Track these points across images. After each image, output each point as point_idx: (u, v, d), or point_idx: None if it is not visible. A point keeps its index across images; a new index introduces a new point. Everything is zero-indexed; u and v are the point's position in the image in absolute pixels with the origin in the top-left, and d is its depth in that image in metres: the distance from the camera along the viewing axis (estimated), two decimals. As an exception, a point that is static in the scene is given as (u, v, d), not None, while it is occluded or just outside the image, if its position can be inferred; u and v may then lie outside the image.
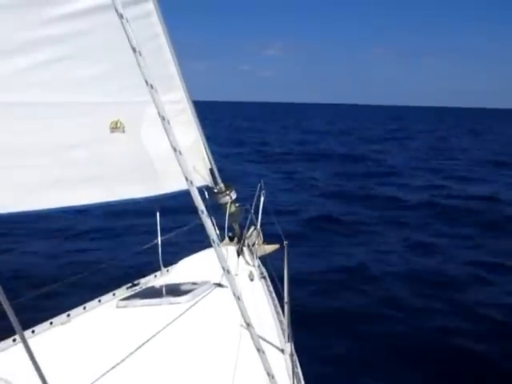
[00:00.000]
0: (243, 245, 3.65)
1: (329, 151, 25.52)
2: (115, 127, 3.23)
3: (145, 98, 3.28)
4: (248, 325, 1.84)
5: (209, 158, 3.81)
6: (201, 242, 3.93)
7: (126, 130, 3.26)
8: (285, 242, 2.64)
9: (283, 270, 2.52)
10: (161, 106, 1.73)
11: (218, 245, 1.83)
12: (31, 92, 2.90)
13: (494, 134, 46.35)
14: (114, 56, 3.15)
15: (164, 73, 3.42)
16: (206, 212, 1.84)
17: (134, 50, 1.70)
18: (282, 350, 2.41)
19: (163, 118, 1.70)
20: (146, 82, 1.72)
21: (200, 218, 1.81)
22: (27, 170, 2.95)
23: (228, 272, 1.82)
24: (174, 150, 1.72)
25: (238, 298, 1.84)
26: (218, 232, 3.61)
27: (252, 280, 3.15)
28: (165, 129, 1.69)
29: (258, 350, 1.87)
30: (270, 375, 1.86)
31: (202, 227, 3.83)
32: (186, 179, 1.75)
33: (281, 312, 2.81)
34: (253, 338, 1.86)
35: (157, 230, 3.44)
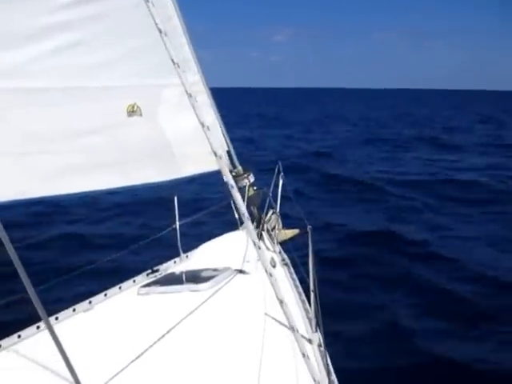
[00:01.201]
0: (262, 229, 3.58)
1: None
2: (132, 111, 3.18)
3: (160, 80, 3.26)
4: (281, 302, 1.81)
5: (226, 140, 3.75)
6: (218, 228, 3.89)
7: (144, 113, 3.21)
8: (308, 227, 2.57)
9: (307, 256, 2.45)
10: (188, 84, 1.69)
11: (248, 219, 1.79)
12: (47, 78, 2.86)
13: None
14: (128, 40, 3.11)
15: (179, 55, 3.36)
16: (235, 187, 1.83)
17: (159, 31, 1.67)
18: (310, 340, 2.33)
19: (190, 95, 1.66)
20: (173, 61, 1.68)
21: (230, 194, 1.81)
22: (45, 156, 2.92)
23: (259, 248, 1.78)
24: (202, 125, 1.70)
25: (271, 275, 1.80)
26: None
27: (274, 267, 3.07)
28: (192, 105, 1.66)
29: (292, 328, 1.83)
30: (306, 356, 1.81)
31: (218, 213, 3.76)
32: (215, 154, 1.72)
33: (306, 300, 2.73)
34: (286, 315, 1.83)
35: (174, 215, 3.39)
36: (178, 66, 1.69)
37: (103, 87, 3.09)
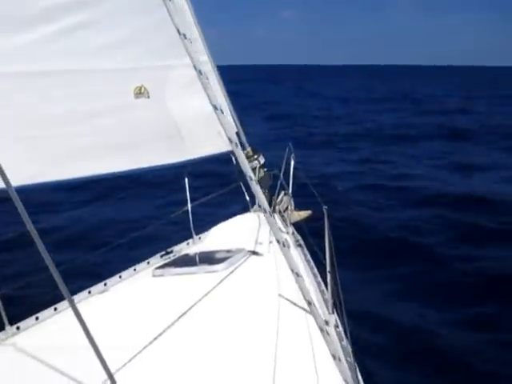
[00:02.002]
0: (274, 211, 3.56)
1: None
2: (139, 93, 3.16)
3: (168, 61, 3.22)
4: (297, 275, 1.80)
5: (235, 121, 3.72)
6: (230, 209, 3.89)
7: (151, 95, 3.19)
8: (324, 208, 2.53)
9: (323, 237, 2.43)
10: (196, 57, 1.61)
11: (271, 214, 1.75)
12: (53, 61, 2.84)
13: None
14: (135, 20, 3.08)
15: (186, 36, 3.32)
16: (254, 178, 1.76)
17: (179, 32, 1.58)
18: (326, 322, 2.28)
19: (200, 73, 1.59)
20: (179, 32, 1.60)
21: (248, 184, 1.75)
22: (54, 139, 2.91)
23: (284, 245, 1.75)
24: (215, 108, 1.63)
25: (297, 275, 1.78)
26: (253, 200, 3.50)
27: (288, 249, 3.05)
28: (202, 83, 1.58)
29: (310, 303, 1.82)
30: (324, 331, 1.80)
31: (229, 194, 3.74)
32: (231, 141, 1.66)
33: (321, 282, 2.72)
34: (302, 291, 1.82)
35: (186, 197, 3.38)
36: (185, 37, 1.61)
37: (110, 69, 3.06)
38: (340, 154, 14.43)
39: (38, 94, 2.82)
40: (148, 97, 3.17)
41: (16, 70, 2.73)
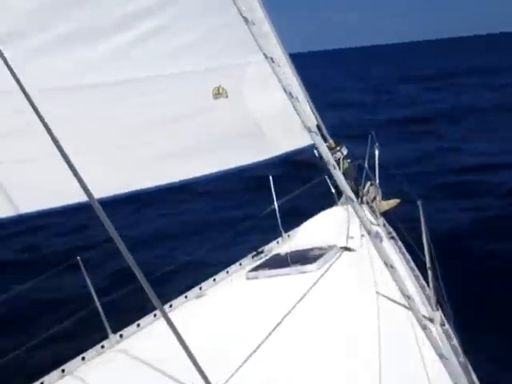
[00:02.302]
0: (362, 202, 3.42)
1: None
2: (218, 93, 3.13)
3: (242, 59, 3.16)
4: (391, 267, 1.72)
5: (314, 113, 3.61)
6: (314, 205, 3.76)
7: (230, 94, 3.15)
8: (418, 202, 2.39)
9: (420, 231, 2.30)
10: (284, 79, 1.63)
11: (358, 202, 1.68)
12: (133, 69, 2.88)
13: None
14: (206, 21, 3.06)
15: (259, 31, 3.26)
16: (337, 167, 1.73)
17: (245, 21, 1.65)
18: (431, 320, 2.17)
19: (291, 96, 1.61)
20: (266, 56, 1.63)
21: (331, 174, 1.73)
22: (139, 147, 2.95)
23: (376, 237, 1.66)
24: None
25: (391, 267, 1.70)
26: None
27: (380, 241, 2.91)
28: (293, 106, 1.60)
29: (409, 297, 1.73)
30: (427, 329, 1.69)
31: (313, 190, 3.62)
32: (310, 130, 1.64)
33: (420, 276, 2.56)
34: (398, 284, 1.73)
35: (272, 196, 3.32)
36: (272, 61, 1.63)
37: (187, 72, 3.06)
38: (404, 141, 13.56)
39: (117, 104, 2.86)
40: (226, 96, 3.14)
41: (97, 80, 2.78)
